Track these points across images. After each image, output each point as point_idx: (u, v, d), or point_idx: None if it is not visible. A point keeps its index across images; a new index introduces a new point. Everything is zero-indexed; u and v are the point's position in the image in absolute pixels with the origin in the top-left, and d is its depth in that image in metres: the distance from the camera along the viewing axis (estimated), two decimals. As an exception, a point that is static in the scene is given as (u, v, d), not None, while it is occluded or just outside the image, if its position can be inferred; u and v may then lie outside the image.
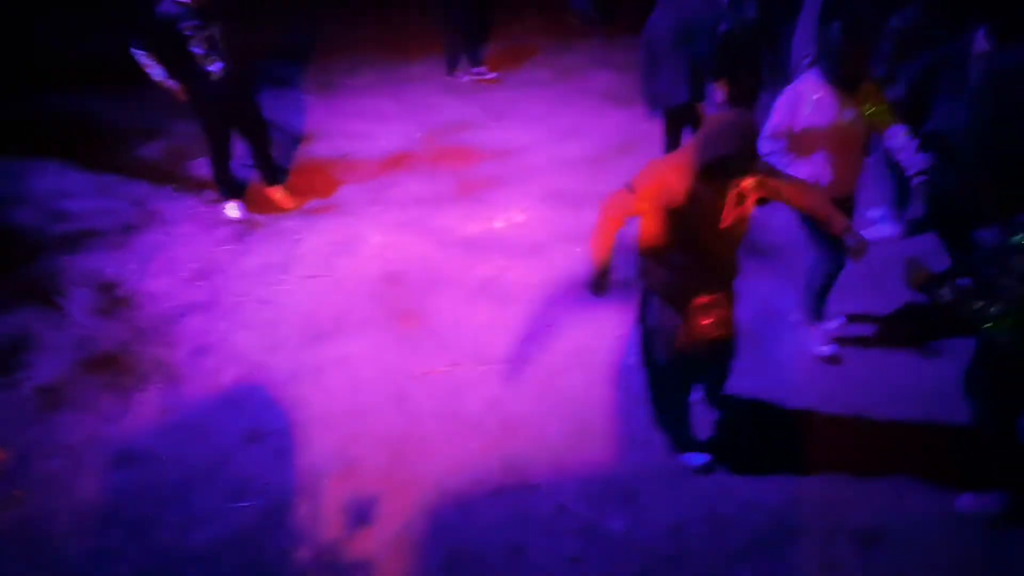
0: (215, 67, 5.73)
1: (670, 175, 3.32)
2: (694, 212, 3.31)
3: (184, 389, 4.73)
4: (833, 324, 4.78)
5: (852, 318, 4.97)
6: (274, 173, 6.55)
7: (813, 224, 4.18)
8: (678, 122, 6.01)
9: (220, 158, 6.19)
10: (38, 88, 8.43)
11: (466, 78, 8.67)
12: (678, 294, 3.52)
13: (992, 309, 3.05)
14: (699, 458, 4.06)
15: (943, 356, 4.63)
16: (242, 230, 6.20)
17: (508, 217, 6.25)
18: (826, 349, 4.67)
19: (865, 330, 4.93)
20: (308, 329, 5.15)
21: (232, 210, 6.33)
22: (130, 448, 4.33)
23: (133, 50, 5.76)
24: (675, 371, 3.78)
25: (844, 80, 4.02)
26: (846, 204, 4.28)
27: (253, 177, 6.65)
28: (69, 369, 4.88)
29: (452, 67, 8.63)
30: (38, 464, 4.25)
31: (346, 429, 4.39)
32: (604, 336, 4.97)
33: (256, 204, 6.50)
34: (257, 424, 4.45)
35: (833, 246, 4.25)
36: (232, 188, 6.35)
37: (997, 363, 3.34)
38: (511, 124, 7.74)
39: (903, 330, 4.88)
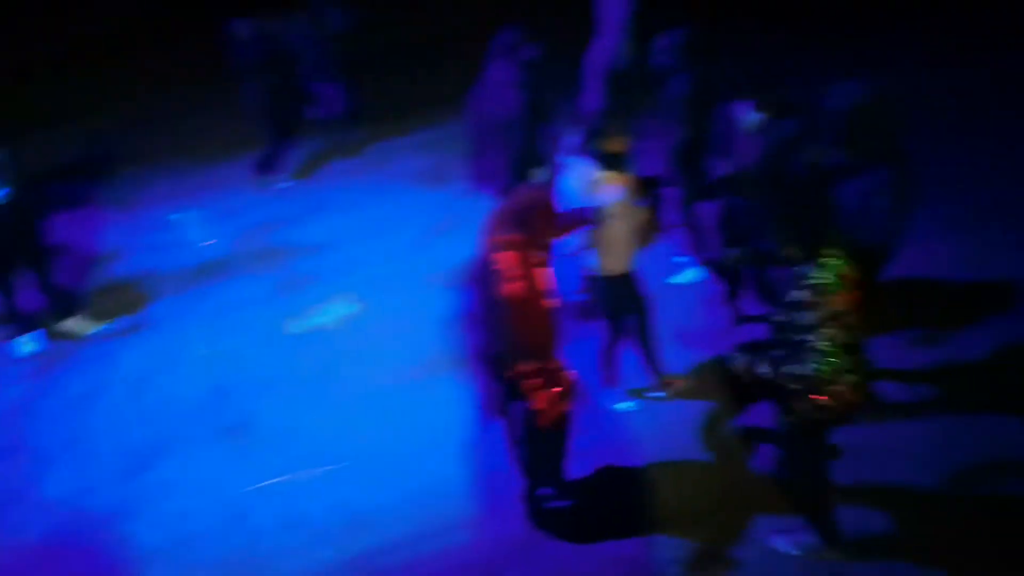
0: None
1: (482, 253, 3.34)
2: (508, 286, 3.34)
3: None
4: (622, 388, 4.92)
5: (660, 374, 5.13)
6: (66, 302, 6.10)
7: (598, 292, 4.41)
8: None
9: (6, 292, 5.70)
10: None
11: (278, 176, 8.48)
12: (508, 366, 3.53)
13: (806, 372, 3.24)
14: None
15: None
16: (44, 363, 5.69)
17: (335, 310, 6.08)
18: (628, 405, 4.82)
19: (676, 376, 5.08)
20: (127, 459, 4.75)
21: (27, 345, 5.81)
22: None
23: None
24: (540, 442, 3.79)
25: (611, 160, 4.16)
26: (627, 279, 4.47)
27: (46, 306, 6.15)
28: None
29: (265, 166, 8.37)
30: None
31: (179, 562, 4.04)
32: (445, 419, 4.88)
33: (58, 332, 6.00)
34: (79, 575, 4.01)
35: (613, 316, 4.51)
36: (24, 321, 5.85)
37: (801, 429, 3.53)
38: (328, 216, 7.59)
39: (711, 373, 5.07)
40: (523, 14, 6.41)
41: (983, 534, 3.86)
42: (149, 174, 8.60)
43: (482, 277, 3.36)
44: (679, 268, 5.96)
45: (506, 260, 3.32)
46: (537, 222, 3.30)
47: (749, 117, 4.56)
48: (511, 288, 3.35)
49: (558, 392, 3.57)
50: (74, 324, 6.00)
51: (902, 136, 4.14)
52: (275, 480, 4.52)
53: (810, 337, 3.23)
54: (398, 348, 5.56)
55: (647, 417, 4.76)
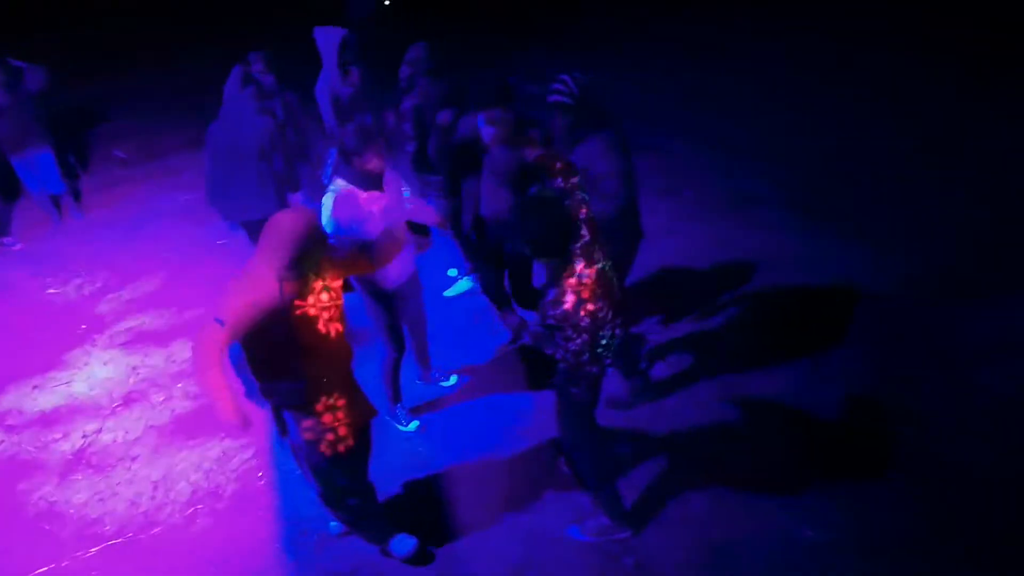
0: None
1: (253, 290, 3.18)
2: (288, 318, 3.22)
3: None
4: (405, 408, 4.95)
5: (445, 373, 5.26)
6: None
7: (375, 308, 4.39)
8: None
9: None
10: None
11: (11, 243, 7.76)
12: (305, 402, 3.40)
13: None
14: (407, 543, 3.96)
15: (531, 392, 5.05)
16: None
17: (88, 375, 5.63)
18: (413, 424, 4.85)
19: (456, 384, 5.20)
20: None
21: None
22: None
23: None
24: (341, 472, 3.64)
25: (367, 179, 4.13)
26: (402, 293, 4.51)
27: None
28: None
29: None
30: None
31: None
32: (227, 470, 4.66)
33: None
34: None
35: (393, 331, 4.52)
36: None
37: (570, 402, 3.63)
38: (74, 274, 7.03)
39: (492, 376, 5.22)
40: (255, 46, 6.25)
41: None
42: None
43: (261, 315, 3.16)
44: (452, 281, 6.08)
45: (293, 287, 3.21)
46: (310, 248, 3.18)
47: (486, 126, 4.69)
48: (302, 315, 3.25)
49: (350, 421, 3.49)
50: None
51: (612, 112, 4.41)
52: (36, 573, 4.11)
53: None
54: (166, 403, 5.24)
55: (435, 429, 4.82)
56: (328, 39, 5.93)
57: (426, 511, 4.22)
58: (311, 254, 3.21)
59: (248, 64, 5.97)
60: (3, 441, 5.05)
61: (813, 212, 6.93)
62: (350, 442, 3.52)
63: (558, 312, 3.30)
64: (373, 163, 4.06)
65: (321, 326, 3.30)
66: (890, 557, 3.73)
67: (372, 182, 4.14)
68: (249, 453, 4.72)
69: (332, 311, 3.35)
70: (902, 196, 7.03)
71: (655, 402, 4.78)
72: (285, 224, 3.20)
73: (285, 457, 4.21)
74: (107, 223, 8.04)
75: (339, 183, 4.11)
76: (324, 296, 3.32)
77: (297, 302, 3.23)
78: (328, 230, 4.05)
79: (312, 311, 3.29)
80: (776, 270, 6.04)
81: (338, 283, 3.45)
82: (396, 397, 4.81)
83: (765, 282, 5.91)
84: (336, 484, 3.69)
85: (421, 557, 3.93)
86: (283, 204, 5.77)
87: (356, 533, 3.98)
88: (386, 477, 4.32)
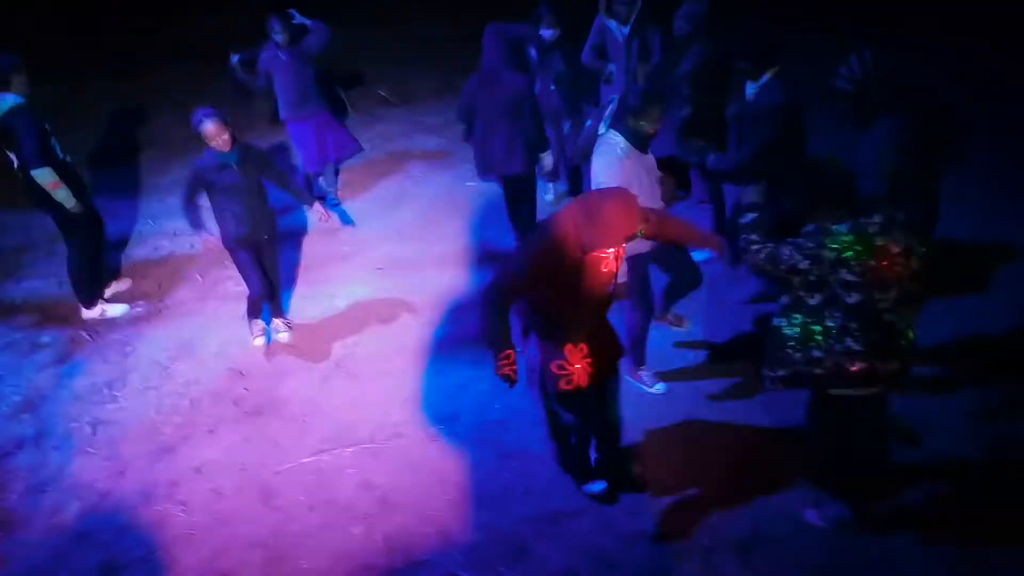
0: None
1: (555, 253, 3.37)
2: (576, 278, 3.43)
3: (24, 534, 4.30)
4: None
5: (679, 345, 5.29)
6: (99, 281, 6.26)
7: (632, 281, 4.45)
8: (515, 189, 6.15)
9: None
10: None
11: None
12: (555, 341, 3.63)
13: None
14: (598, 485, 4.16)
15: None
16: (65, 351, 5.77)
17: (349, 292, 6.16)
18: (658, 387, 4.90)
19: (695, 356, 5.21)
20: (155, 443, 4.84)
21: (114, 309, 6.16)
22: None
23: (36, 171, 5.42)
24: (570, 410, 3.90)
25: (641, 139, 4.22)
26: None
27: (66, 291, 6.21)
28: None
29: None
30: None
31: (213, 541, 4.14)
32: (465, 398, 4.98)
33: (73, 321, 6.08)
34: (112, 557, 4.11)
35: (645, 294, 4.61)
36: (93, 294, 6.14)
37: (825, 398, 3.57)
38: (341, 195, 7.66)
39: (729, 351, 5.19)
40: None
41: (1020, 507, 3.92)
42: (164, 162, 8.69)
43: (554, 273, 3.43)
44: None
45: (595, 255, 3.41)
46: (623, 230, 3.32)
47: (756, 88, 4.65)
48: (589, 276, 3.45)
49: (592, 369, 3.65)
50: (98, 311, 6.11)
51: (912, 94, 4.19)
52: (302, 460, 4.62)
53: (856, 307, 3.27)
54: (415, 329, 5.66)
55: (674, 396, 4.85)
56: None
57: (653, 469, 4.31)
58: (622, 235, 3.32)
59: (538, 18, 6.20)
60: (276, 341, 5.65)
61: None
62: (584, 384, 3.67)
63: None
64: (651, 127, 4.16)
65: (599, 272, 3.46)
66: None
67: (644, 142, 4.25)
68: (486, 386, 4.99)
69: (612, 261, 3.49)
70: None
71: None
72: (610, 204, 3.28)
73: (518, 395, 4.39)
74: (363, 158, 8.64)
75: (613, 138, 4.24)
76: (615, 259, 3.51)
77: (589, 266, 3.42)
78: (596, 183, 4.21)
79: (598, 274, 3.48)
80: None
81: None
82: (642, 360, 4.87)
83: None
84: (561, 419, 3.98)
85: (608, 498, 4.12)
86: (532, 163, 5.99)
87: (564, 467, 4.23)
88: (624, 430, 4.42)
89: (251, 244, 5.26)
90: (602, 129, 4.43)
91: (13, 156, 5.50)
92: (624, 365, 4.47)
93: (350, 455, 4.64)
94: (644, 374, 4.90)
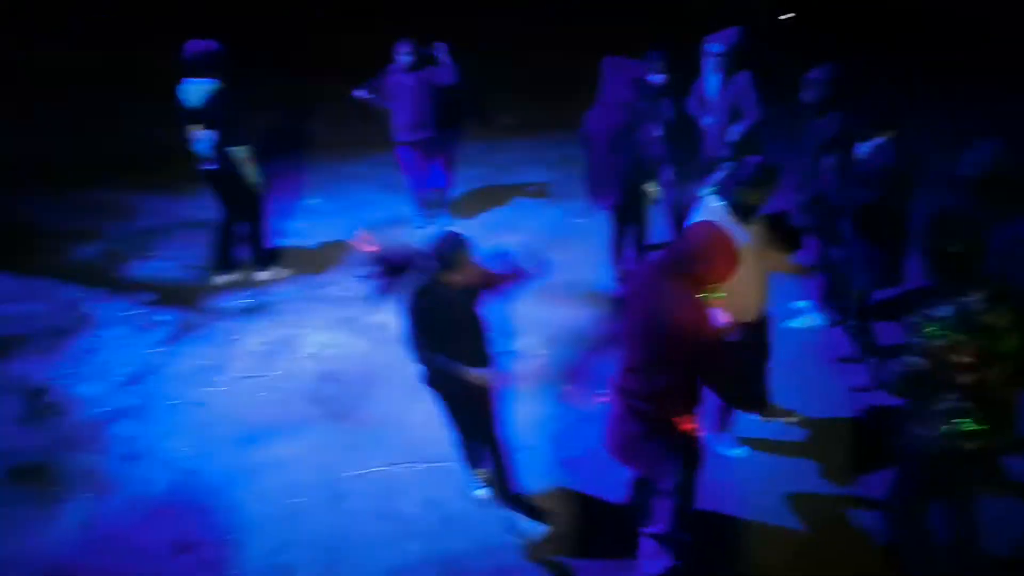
0: None
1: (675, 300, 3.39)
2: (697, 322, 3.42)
3: (113, 498, 4.61)
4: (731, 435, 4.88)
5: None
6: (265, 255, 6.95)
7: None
8: (617, 220, 6.22)
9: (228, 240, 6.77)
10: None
11: None
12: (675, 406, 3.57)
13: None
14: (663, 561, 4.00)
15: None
16: (177, 331, 6.15)
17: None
18: (738, 452, 4.81)
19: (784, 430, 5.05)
20: (242, 431, 5.10)
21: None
22: (54, 562, 4.18)
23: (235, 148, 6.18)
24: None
25: (743, 210, 4.18)
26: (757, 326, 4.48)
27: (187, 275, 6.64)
28: (-8, 481, 4.73)
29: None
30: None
31: (280, 534, 4.32)
32: (546, 431, 5.03)
33: (189, 304, 6.48)
34: (187, 533, 4.35)
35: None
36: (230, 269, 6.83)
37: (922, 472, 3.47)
38: (450, 218, 7.88)
39: (821, 422, 5.03)
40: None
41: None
42: (289, 164, 9.14)
43: (643, 306, 3.45)
44: (798, 312, 5.94)
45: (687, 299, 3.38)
46: (713, 262, 3.36)
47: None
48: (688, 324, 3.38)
49: (691, 425, 3.60)
50: (268, 275, 6.82)
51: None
52: (374, 469, 4.77)
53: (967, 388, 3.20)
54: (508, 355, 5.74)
55: (757, 464, 4.76)
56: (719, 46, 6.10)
57: (732, 540, 4.24)
58: (716, 271, 3.36)
59: (648, 62, 6.27)
60: (370, 350, 5.86)
61: None
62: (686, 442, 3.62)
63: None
64: (758, 200, 4.15)
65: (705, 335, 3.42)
66: None
67: (747, 214, 4.20)
68: (569, 421, 5.02)
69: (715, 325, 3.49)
70: None
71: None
72: (700, 237, 3.36)
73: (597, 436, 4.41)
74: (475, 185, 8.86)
75: (714, 203, 4.24)
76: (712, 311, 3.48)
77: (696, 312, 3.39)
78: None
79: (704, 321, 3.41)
80: None
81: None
82: (726, 422, 4.77)
83: None
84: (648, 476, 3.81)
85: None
86: (628, 195, 6.06)
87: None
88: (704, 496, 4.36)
89: None
90: (706, 191, 4.44)
91: (206, 135, 6.15)
92: (709, 422, 4.48)
93: (421, 471, 4.76)
94: (726, 436, 4.84)
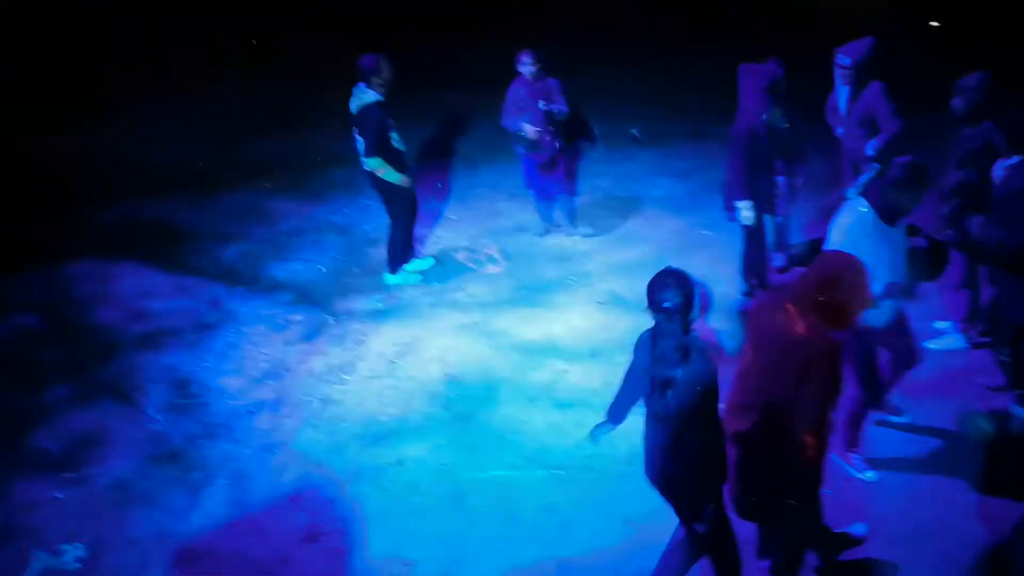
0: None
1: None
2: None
3: (249, 486, 4.85)
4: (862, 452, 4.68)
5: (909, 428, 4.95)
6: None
7: (857, 357, 4.24)
8: (752, 229, 6.11)
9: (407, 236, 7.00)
10: (116, 195, 8.96)
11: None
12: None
13: None
14: None
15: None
16: (311, 331, 6.41)
17: (567, 321, 6.35)
18: (869, 474, 4.62)
19: (917, 446, 4.85)
20: (369, 429, 5.27)
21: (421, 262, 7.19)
22: (194, 544, 4.44)
23: (368, 160, 6.42)
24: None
25: (892, 214, 4.04)
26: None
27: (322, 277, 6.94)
28: (140, 464, 5.06)
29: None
30: (106, 558, 4.39)
31: (402, 530, 4.44)
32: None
33: (322, 305, 6.75)
34: (316, 523, 4.53)
35: (870, 372, 4.33)
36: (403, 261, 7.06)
37: None
38: (574, 229, 7.90)
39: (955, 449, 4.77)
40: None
41: None
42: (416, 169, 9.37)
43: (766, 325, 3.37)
44: (938, 333, 5.65)
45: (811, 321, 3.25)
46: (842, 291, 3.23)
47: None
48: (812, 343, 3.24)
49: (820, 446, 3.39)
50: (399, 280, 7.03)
51: None
52: (495, 472, 4.83)
53: None
54: (623, 366, 5.70)
55: (889, 487, 4.58)
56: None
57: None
58: (841, 301, 3.23)
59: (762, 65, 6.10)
60: (493, 355, 5.95)
61: None
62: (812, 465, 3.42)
63: None
64: (906, 204, 3.98)
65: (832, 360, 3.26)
66: None
67: (894, 217, 4.05)
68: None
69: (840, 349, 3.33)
70: None
71: None
72: (827, 267, 3.26)
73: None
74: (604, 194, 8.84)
75: (859, 204, 4.08)
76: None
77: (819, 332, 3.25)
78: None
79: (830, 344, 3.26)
80: None
81: None
82: (855, 442, 4.60)
83: None
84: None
85: None
86: (772, 202, 5.95)
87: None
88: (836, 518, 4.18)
89: None
90: (852, 193, 4.29)
91: (361, 139, 6.44)
92: (835, 443, 4.30)
93: (540, 477, 4.79)
94: (855, 457, 4.64)
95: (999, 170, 4.53)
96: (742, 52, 6.25)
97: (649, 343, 3.37)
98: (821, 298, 3.21)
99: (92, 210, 8.67)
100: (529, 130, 7.00)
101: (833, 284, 3.20)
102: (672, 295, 3.25)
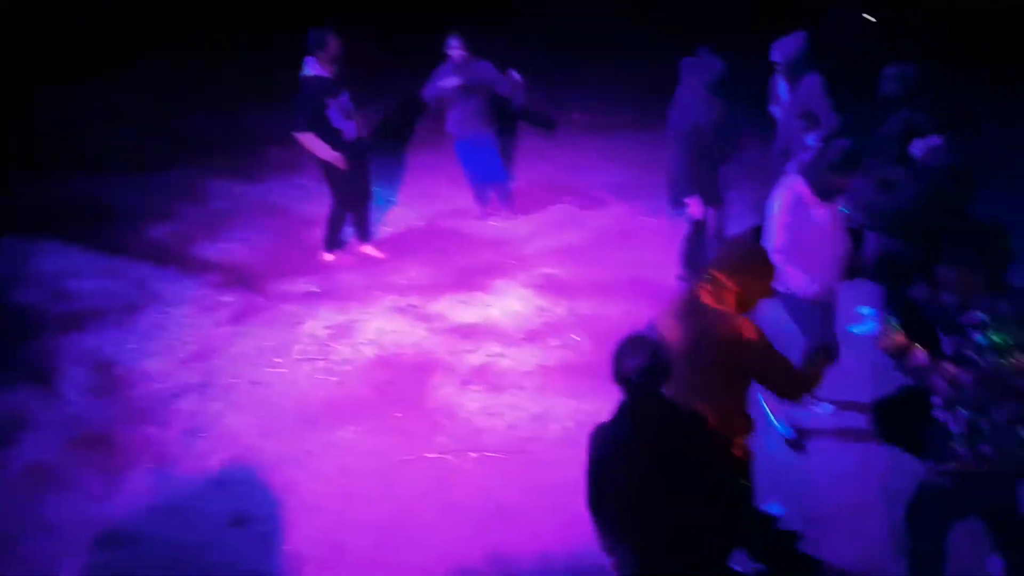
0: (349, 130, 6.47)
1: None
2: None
3: (173, 470, 4.72)
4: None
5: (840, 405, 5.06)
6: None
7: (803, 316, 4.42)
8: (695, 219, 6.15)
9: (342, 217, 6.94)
10: (43, 172, 8.61)
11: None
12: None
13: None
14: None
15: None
16: (242, 312, 6.26)
17: (504, 305, 6.31)
18: (789, 432, 4.81)
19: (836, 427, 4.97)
20: (300, 413, 5.16)
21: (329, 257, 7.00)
22: (115, 529, 4.30)
23: (297, 134, 6.32)
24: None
25: (826, 192, 4.28)
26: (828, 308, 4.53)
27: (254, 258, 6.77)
28: (59, 448, 4.88)
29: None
30: (23, 544, 4.23)
31: (333, 514, 4.37)
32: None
33: (255, 286, 6.60)
34: (244, 508, 4.43)
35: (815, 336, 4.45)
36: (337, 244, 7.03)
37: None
38: (511, 213, 7.86)
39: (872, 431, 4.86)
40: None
41: None
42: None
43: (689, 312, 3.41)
44: (862, 318, 5.77)
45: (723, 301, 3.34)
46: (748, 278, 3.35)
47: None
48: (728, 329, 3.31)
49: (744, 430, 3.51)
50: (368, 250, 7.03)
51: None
52: (428, 455, 4.78)
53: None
54: (559, 351, 5.71)
55: (807, 468, 4.67)
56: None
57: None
58: (748, 284, 3.35)
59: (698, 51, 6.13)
60: (428, 338, 5.89)
61: None
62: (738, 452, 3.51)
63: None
64: (839, 185, 4.25)
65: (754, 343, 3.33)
66: None
67: (829, 195, 4.30)
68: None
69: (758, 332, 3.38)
70: None
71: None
72: (734, 250, 3.46)
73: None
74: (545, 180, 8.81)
75: (794, 181, 4.30)
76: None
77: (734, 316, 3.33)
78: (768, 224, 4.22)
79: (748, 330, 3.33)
80: None
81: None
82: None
83: None
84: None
85: None
86: (715, 190, 6.03)
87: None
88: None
89: None
90: (790, 170, 4.49)
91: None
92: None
93: (473, 460, 4.76)
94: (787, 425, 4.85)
95: (919, 149, 4.70)
96: (692, 39, 6.26)
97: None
98: (730, 282, 3.31)
99: (14, 186, 8.32)
100: (449, 82, 7.04)
101: (739, 268, 3.33)
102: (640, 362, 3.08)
